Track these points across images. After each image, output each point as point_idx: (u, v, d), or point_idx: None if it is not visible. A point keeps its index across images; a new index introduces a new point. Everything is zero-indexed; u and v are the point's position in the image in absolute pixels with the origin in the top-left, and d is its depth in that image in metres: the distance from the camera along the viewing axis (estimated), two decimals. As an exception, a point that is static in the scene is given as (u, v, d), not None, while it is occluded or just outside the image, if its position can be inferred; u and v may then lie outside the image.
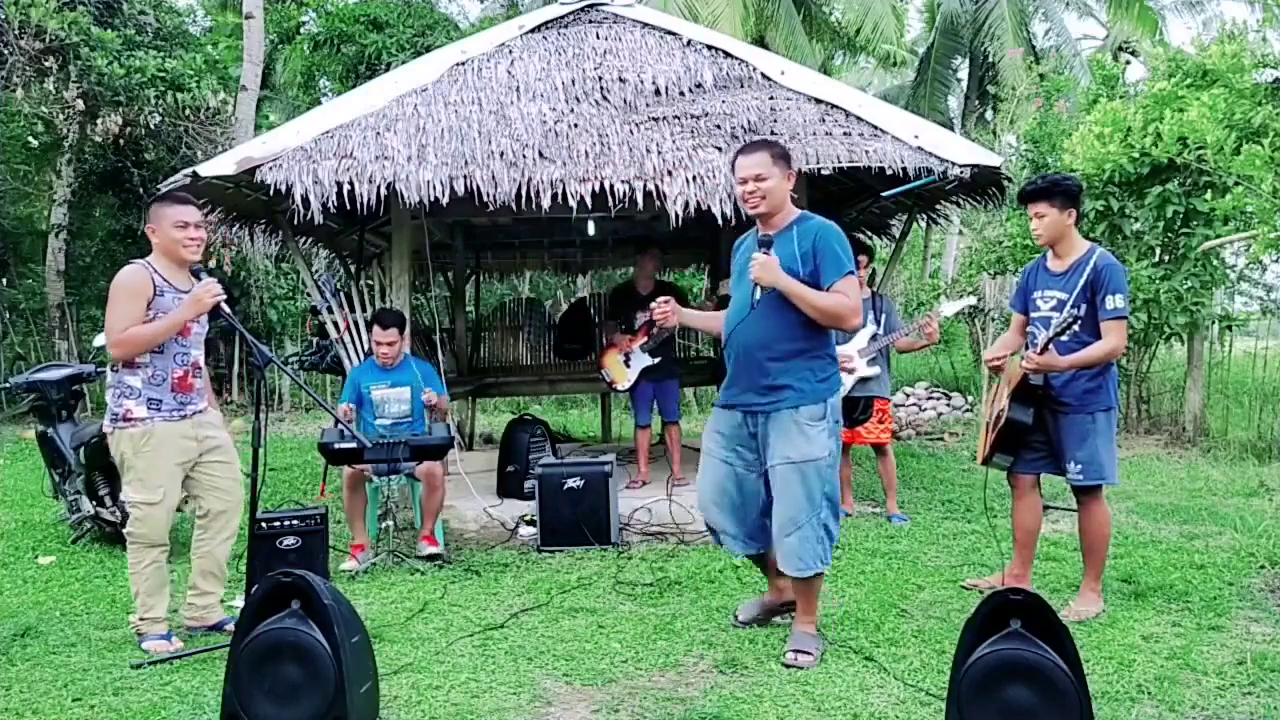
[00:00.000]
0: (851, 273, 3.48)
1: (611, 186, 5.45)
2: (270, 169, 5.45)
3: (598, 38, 6.75)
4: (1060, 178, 4.06)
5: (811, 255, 3.48)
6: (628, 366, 6.68)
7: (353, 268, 7.10)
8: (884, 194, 6.31)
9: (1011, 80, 15.57)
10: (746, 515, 3.68)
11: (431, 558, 5.02)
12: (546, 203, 5.43)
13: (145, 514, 3.79)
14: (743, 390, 3.58)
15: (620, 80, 6.29)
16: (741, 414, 3.60)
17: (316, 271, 8.29)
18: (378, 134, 5.72)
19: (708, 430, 3.76)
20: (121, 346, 3.71)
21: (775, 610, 3.90)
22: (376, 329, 5.41)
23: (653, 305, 3.79)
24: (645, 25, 6.92)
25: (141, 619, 3.83)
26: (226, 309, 3.79)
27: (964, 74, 20.52)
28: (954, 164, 5.72)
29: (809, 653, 3.49)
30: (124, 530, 3.92)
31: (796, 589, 3.64)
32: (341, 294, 6.45)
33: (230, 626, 3.81)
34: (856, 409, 5.89)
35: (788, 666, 3.44)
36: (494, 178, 5.46)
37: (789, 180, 3.59)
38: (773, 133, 5.80)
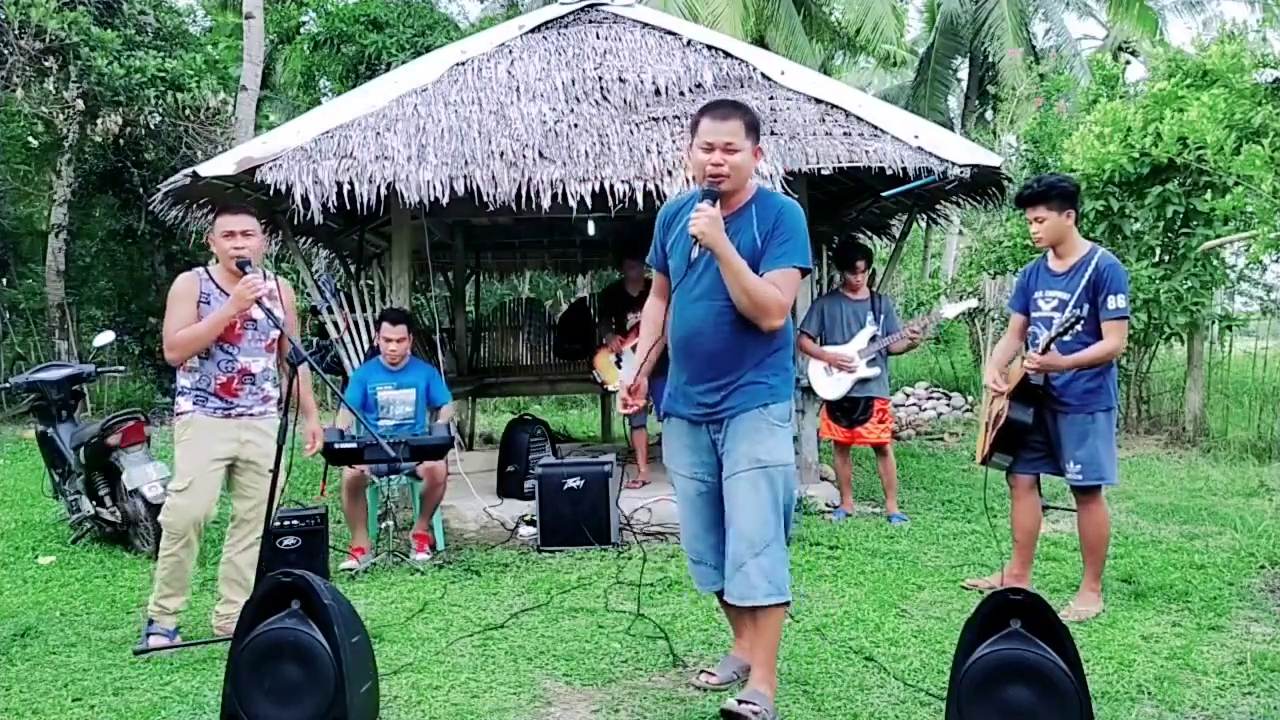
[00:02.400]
0: (801, 270, 3.02)
1: (611, 186, 5.45)
2: (270, 169, 5.45)
3: (598, 38, 6.75)
4: (1055, 179, 4.05)
5: (770, 233, 2.99)
6: (619, 367, 6.69)
7: (353, 268, 7.10)
8: (884, 194, 6.31)
9: (1011, 80, 15.56)
10: (721, 539, 3.13)
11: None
12: (546, 203, 5.43)
13: (172, 502, 3.85)
14: (703, 392, 3.09)
15: (620, 80, 6.28)
16: (706, 422, 3.11)
17: (316, 271, 8.29)
18: (378, 134, 5.72)
19: (672, 448, 3.24)
20: (173, 349, 3.83)
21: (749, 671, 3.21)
22: (386, 326, 5.41)
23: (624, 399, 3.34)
24: (645, 25, 6.91)
25: (155, 604, 3.85)
26: (267, 304, 3.81)
27: (964, 74, 20.53)
28: (954, 164, 5.72)
29: (756, 707, 2.88)
30: (158, 519, 3.94)
31: (760, 631, 3.04)
32: (341, 294, 6.45)
33: (177, 639, 3.84)
34: (856, 409, 5.90)
35: (725, 714, 2.90)
36: (494, 178, 5.46)
37: (756, 157, 3.09)
38: (773, 133, 5.79)
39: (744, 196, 3.07)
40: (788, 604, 3.05)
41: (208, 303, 3.85)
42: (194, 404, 3.87)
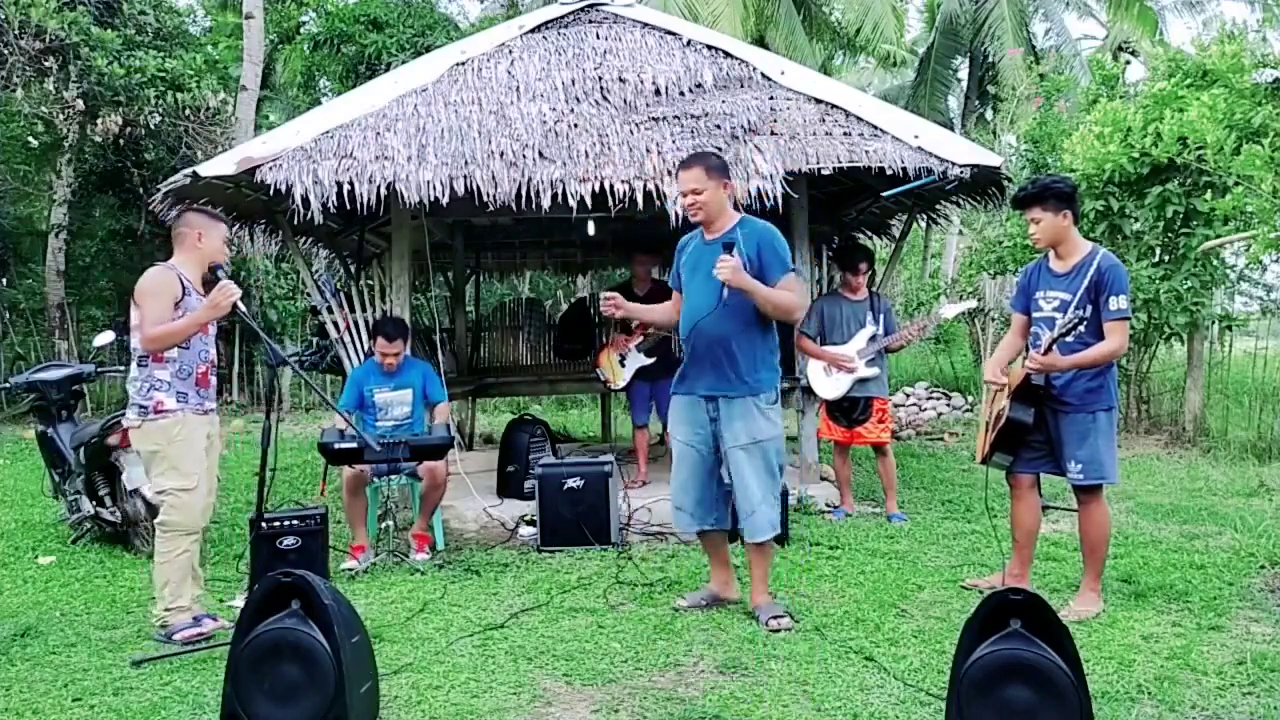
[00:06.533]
0: (793, 271, 3.96)
1: (611, 186, 5.45)
2: (270, 169, 5.45)
3: (598, 38, 6.75)
4: (1051, 181, 4.05)
5: (756, 257, 3.90)
6: (623, 366, 6.69)
7: (353, 268, 7.10)
8: (884, 194, 6.31)
9: (1011, 80, 15.58)
10: (705, 492, 4.08)
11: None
12: (546, 203, 5.43)
13: (182, 501, 3.89)
14: (706, 378, 3.97)
15: (620, 80, 6.28)
16: (703, 399, 3.99)
17: (316, 271, 8.29)
18: (378, 134, 5.72)
19: (677, 418, 4.12)
20: (155, 341, 3.89)
21: (718, 602, 4.21)
22: (381, 341, 5.36)
23: (605, 297, 4.20)
24: (645, 25, 6.91)
25: (167, 609, 3.88)
26: (243, 308, 3.93)
27: (964, 74, 20.53)
28: (954, 164, 5.72)
29: (782, 616, 3.89)
30: (155, 521, 4.02)
31: (757, 557, 4.04)
32: (341, 294, 6.45)
33: (206, 622, 3.90)
34: (856, 409, 5.90)
35: (774, 632, 3.79)
36: (494, 178, 5.46)
37: (725, 190, 3.99)
38: (773, 133, 5.81)
39: (728, 222, 4.01)
40: (780, 535, 4.15)
41: (189, 295, 3.97)
42: (179, 401, 3.94)
